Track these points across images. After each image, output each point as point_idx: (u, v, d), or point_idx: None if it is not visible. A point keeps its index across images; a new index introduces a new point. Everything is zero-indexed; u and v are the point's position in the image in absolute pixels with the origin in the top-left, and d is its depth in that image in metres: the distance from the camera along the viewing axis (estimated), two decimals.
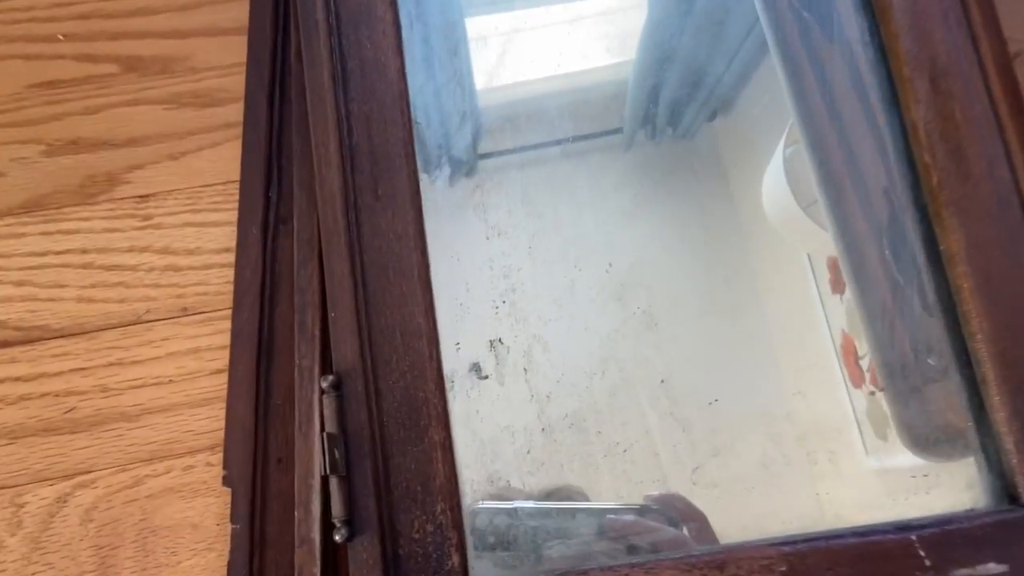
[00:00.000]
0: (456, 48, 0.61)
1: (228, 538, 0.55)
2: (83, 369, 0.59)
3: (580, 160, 0.58)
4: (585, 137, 0.60)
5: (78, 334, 0.60)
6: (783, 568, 0.46)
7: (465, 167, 0.59)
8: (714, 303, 0.55)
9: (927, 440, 0.54)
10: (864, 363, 0.56)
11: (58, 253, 0.62)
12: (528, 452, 0.50)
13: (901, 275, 0.58)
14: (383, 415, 0.48)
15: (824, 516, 0.52)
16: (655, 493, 0.50)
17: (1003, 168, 0.52)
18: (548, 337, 0.52)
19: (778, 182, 0.62)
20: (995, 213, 0.51)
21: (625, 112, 0.63)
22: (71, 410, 0.58)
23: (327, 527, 0.49)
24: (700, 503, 0.48)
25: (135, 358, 0.60)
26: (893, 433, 0.52)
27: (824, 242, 0.56)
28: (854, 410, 0.55)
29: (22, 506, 0.57)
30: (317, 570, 0.49)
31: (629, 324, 0.52)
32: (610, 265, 0.52)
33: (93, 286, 0.61)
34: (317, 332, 0.52)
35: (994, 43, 0.53)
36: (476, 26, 0.62)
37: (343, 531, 0.45)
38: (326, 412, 0.47)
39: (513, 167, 0.56)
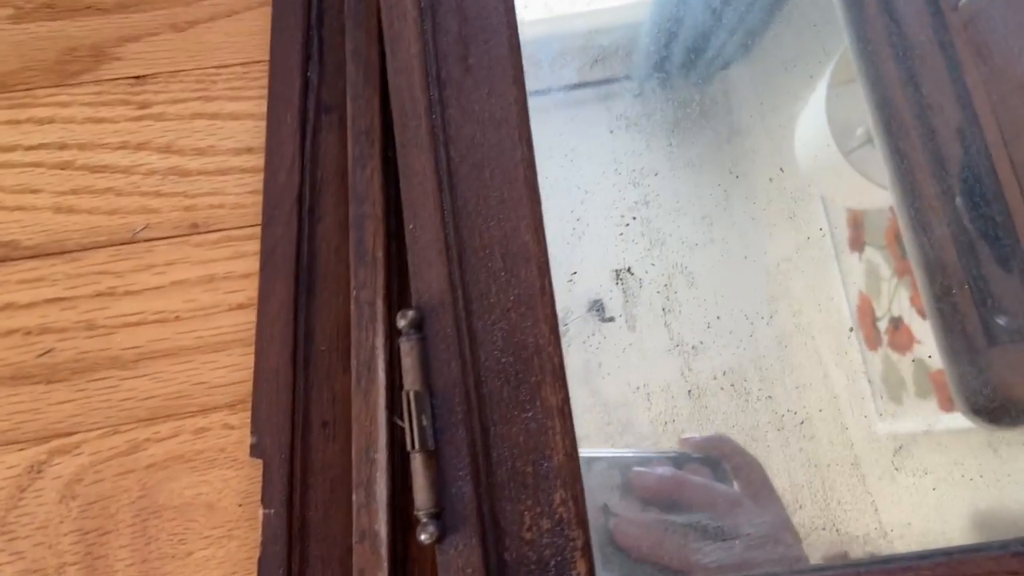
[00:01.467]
0: None
1: (251, 522, 0.42)
2: (63, 300, 0.45)
3: None
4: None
5: (56, 254, 0.46)
6: None
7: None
8: (725, 256, 0.42)
9: (988, 406, 0.43)
10: (882, 325, 0.49)
11: (29, 148, 0.47)
12: (670, 422, 0.37)
13: (973, 225, 0.46)
14: (480, 368, 0.34)
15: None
16: (695, 436, 0.38)
17: None
18: (694, 267, 0.38)
19: (817, 127, 0.51)
20: None
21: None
22: (47, 352, 0.45)
23: (397, 518, 0.36)
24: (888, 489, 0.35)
25: (130, 287, 0.46)
26: (909, 398, 0.42)
27: (866, 192, 0.45)
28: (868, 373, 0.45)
29: None
30: (384, 575, 0.36)
31: (807, 252, 0.38)
32: (781, 171, 0.39)
33: (75, 192, 0.47)
34: (380, 254, 0.39)
35: None
36: None
37: (431, 528, 0.32)
38: (405, 362, 0.33)
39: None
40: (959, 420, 0.44)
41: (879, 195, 0.49)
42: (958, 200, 0.48)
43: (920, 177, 0.47)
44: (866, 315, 0.50)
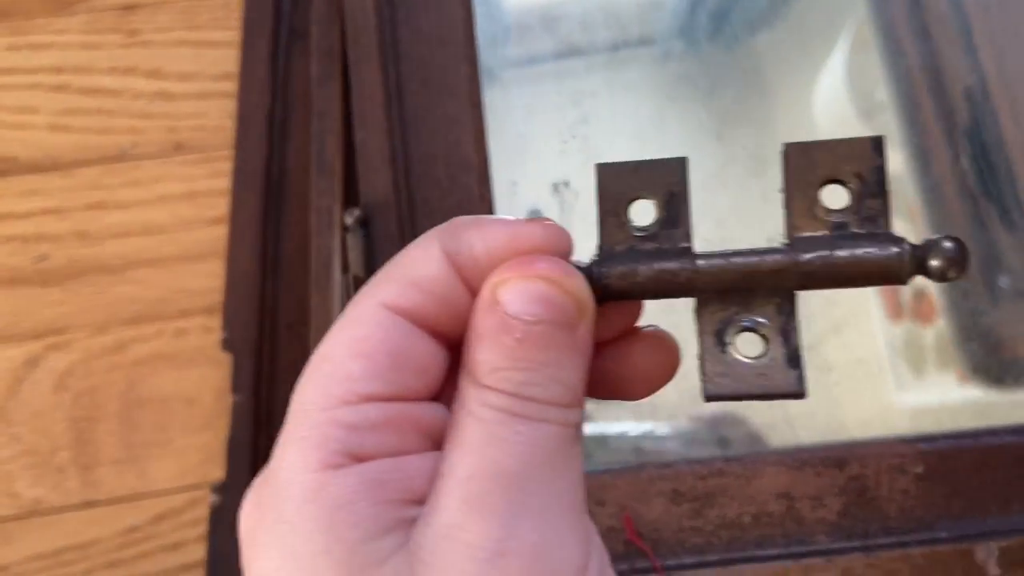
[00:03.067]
0: None
1: (225, 416, 0.46)
2: (57, 211, 0.49)
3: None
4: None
5: (51, 169, 0.50)
6: (919, 469, 0.37)
7: None
8: (752, 225, 0.45)
9: (990, 368, 0.45)
10: (905, 295, 0.50)
11: (27, 71, 0.51)
12: None
13: (978, 185, 0.48)
14: None
15: None
16: None
17: None
18: None
19: (835, 87, 0.53)
20: None
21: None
22: (43, 259, 0.49)
23: None
24: (818, 395, 0.39)
25: (119, 201, 0.50)
26: (930, 369, 0.44)
27: None
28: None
29: None
30: None
31: (731, 168, 0.41)
32: (708, 96, 0.41)
33: (69, 112, 0.51)
34: (338, 166, 0.42)
35: None
36: None
37: None
38: (351, 254, 0.37)
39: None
40: (978, 393, 0.45)
41: (893, 159, 0.50)
42: (963, 160, 0.50)
43: (930, 140, 0.49)
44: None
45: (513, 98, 0.44)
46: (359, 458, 0.18)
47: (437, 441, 0.19)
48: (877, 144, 0.20)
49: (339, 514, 0.17)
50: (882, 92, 0.50)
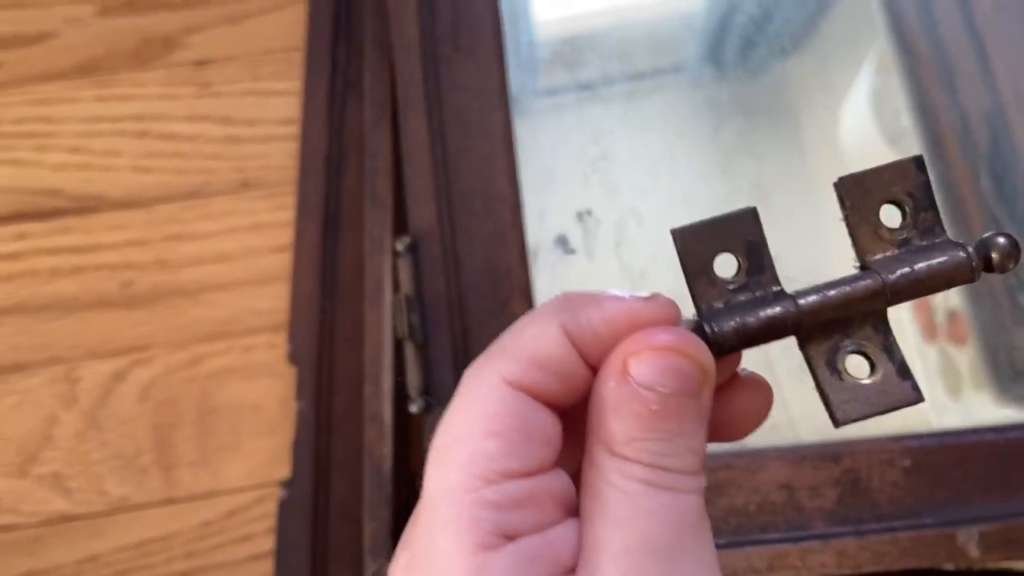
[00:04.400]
0: None
1: (292, 422, 0.52)
2: (140, 242, 0.56)
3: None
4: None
5: (135, 206, 0.57)
6: (907, 463, 0.42)
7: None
8: (778, 244, 0.49)
9: (1017, 387, 0.49)
10: (939, 316, 0.52)
11: (113, 120, 0.58)
12: None
13: (998, 206, 0.52)
14: (462, 283, 0.43)
15: None
16: None
17: None
18: (643, 209, 0.47)
19: (861, 114, 0.57)
20: None
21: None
22: (128, 284, 0.55)
23: (398, 405, 0.45)
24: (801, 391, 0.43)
25: (194, 232, 0.56)
26: (967, 391, 0.47)
27: None
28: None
29: (77, 381, 0.54)
30: (387, 448, 0.45)
31: (736, 197, 0.47)
32: (716, 131, 0.47)
33: (149, 156, 0.57)
34: (389, 199, 0.48)
35: None
36: None
37: (419, 402, 0.41)
38: (401, 275, 0.42)
39: (611, 23, 0.51)
40: (1012, 414, 0.47)
41: None
42: (984, 183, 0.54)
43: (952, 163, 0.53)
44: (923, 305, 0.53)
45: (540, 132, 0.49)
46: (510, 536, 0.18)
47: (570, 508, 0.19)
48: (919, 163, 0.21)
49: None
50: (906, 118, 0.54)
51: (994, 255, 0.21)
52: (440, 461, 0.19)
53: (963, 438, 0.42)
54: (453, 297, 0.43)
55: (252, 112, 0.58)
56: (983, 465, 0.41)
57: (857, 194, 0.22)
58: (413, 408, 0.41)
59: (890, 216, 0.22)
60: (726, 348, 0.21)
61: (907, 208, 0.22)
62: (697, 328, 0.20)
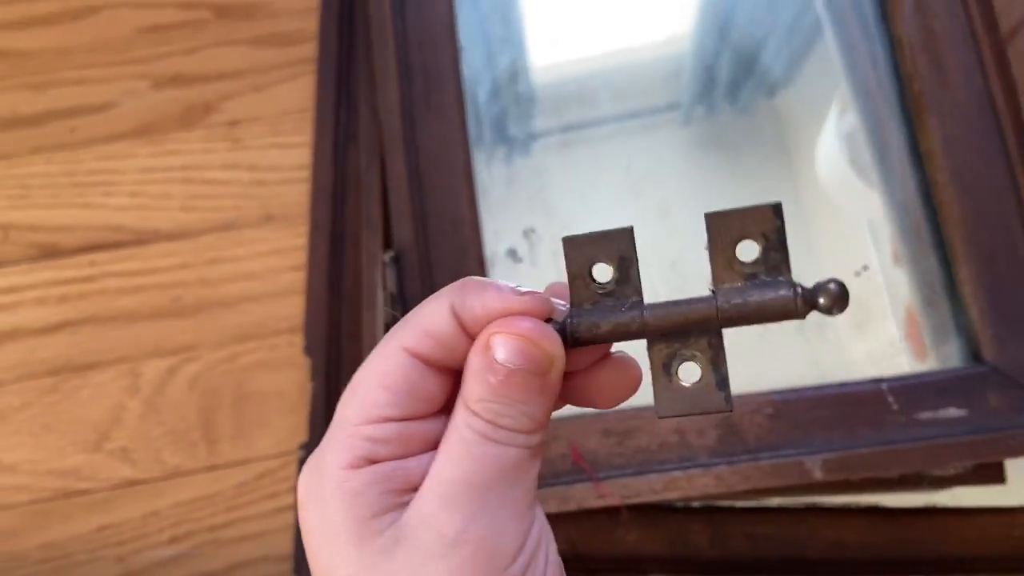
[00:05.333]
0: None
1: (307, 400, 0.65)
2: (186, 265, 0.71)
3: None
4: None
5: (182, 237, 0.71)
6: (770, 411, 0.55)
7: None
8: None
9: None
10: (927, 337, 0.61)
11: (163, 170, 0.73)
12: None
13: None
14: (434, 285, 0.57)
15: None
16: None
17: (978, 77, 0.59)
18: (575, 227, 0.61)
19: (832, 143, 0.68)
20: (969, 115, 0.58)
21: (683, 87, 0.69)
22: (178, 299, 0.70)
23: None
24: None
25: (229, 257, 0.71)
26: None
27: (875, 204, 0.62)
28: None
29: (139, 375, 0.68)
30: None
31: (644, 216, 0.61)
32: (628, 167, 0.61)
33: (193, 197, 0.72)
34: (380, 224, 0.62)
35: None
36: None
37: None
38: (388, 280, 0.57)
39: (554, 93, 0.65)
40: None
41: (878, 208, 0.60)
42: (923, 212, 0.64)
43: (907, 197, 0.60)
44: (913, 326, 0.60)
45: (495, 169, 0.64)
46: (374, 461, 0.24)
47: (437, 445, 0.25)
48: (777, 210, 0.24)
49: (355, 499, 0.23)
50: (867, 152, 0.63)
51: (822, 299, 0.23)
52: (346, 399, 0.25)
53: (812, 392, 0.55)
54: (426, 295, 0.57)
55: (273, 160, 0.73)
56: (827, 411, 0.54)
57: (720, 229, 0.24)
58: None
59: (747, 251, 0.24)
60: (580, 342, 0.25)
61: (760, 246, 0.24)
62: (560, 324, 0.25)
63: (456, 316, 0.24)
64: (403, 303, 0.56)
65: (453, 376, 0.25)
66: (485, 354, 0.24)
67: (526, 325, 0.24)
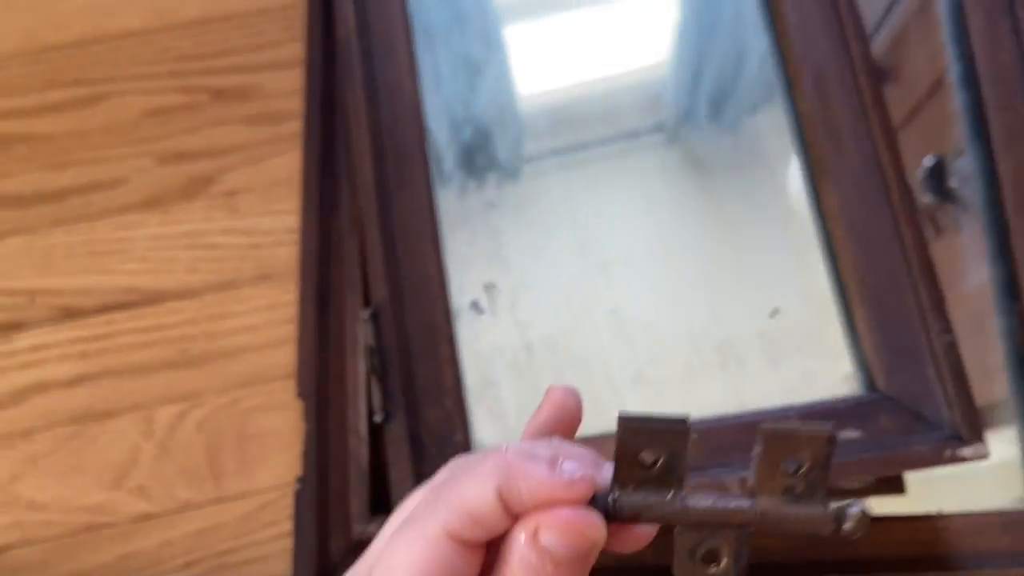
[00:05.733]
0: (489, 55, 0.80)
1: (300, 439, 0.75)
2: (192, 321, 0.80)
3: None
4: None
5: (188, 296, 0.81)
6: (696, 437, 0.64)
7: (511, 166, 0.77)
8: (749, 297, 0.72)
9: None
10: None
11: (170, 237, 0.83)
12: (513, 361, 0.68)
13: None
14: (407, 336, 0.67)
15: None
16: None
17: (872, 142, 0.69)
18: (529, 282, 0.71)
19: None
20: (862, 178, 0.68)
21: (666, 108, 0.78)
22: (185, 351, 0.79)
23: (370, 421, 0.68)
24: (635, 395, 0.66)
25: (230, 313, 0.80)
26: None
27: None
28: None
29: (153, 420, 0.77)
30: (364, 451, 0.68)
31: (589, 271, 0.70)
32: (573, 229, 0.71)
33: (197, 261, 0.82)
34: (360, 286, 0.72)
35: (861, 47, 0.70)
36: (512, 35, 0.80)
37: (380, 416, 0.64)
38: (365, 335, 0.66)
39: (523, 148, 0.75)
40: None
41: None
42: None
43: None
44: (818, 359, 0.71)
45: (459, 233, 0.73)
46: None
47: None
48: (831, 439, 0.25)
49: None
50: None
51: (847, 525, 0.25)
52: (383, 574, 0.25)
53: (732, 420, 0.64)
54: (401, 346, 0.67)
55: (267, 226, 0.83)
56: (744, 436, 0.64)
57: (773, 445, 0.26)
58: (377, 418, 0.64)
59: (792, 463, 0.26)
60: (619, 519, 0.26)
61: (805, 464, 0.25)
62: (602, 499, 0.26)
63: (502, 500, 0.25)
64: (381, 354, 0.66)
65: (486, 547, 0.26)
66: (533, 544, 0.25)
67: (573, 516, 0.25)
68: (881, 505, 0.69)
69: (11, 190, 0.84)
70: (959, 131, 0.79)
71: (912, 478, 0.68)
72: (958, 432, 0.61)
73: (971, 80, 0.79)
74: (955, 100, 0.80)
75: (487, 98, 0.77)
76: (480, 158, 0.73)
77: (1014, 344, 0.75)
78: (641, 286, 0.70)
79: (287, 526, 0.74)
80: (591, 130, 0.76)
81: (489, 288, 0.70)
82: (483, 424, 0.67)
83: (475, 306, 0.70)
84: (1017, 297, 0.75)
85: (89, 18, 0.88)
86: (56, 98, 0.87)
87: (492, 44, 0.80)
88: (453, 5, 0.79)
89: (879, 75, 0.70)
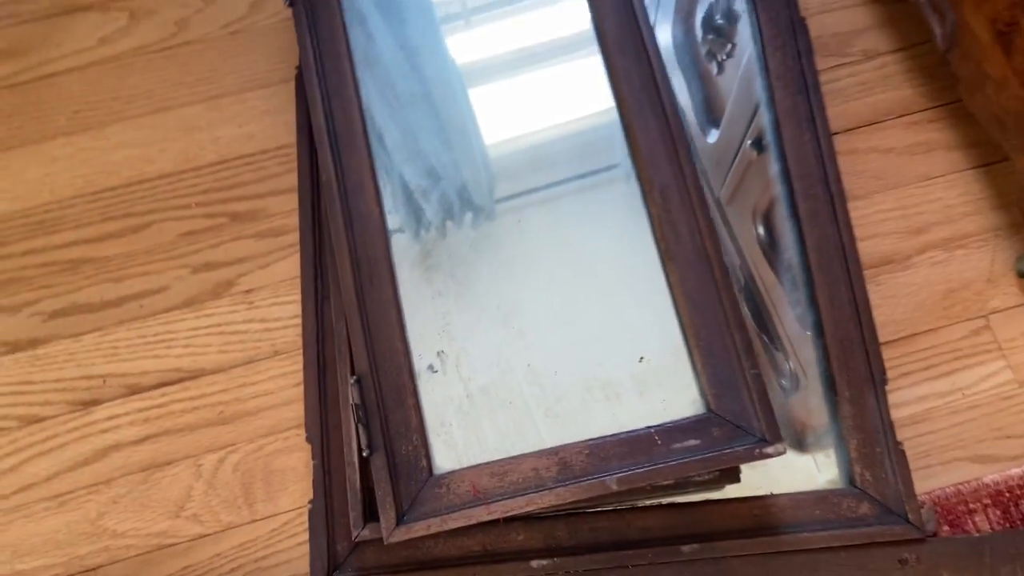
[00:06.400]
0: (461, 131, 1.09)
1: (311, 473, 1.02)
2: (225, 390, 1.08)
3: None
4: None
5: (220, 371, 1.09)
6: (587, 451, 0.92)
7: (483, 214, 1.06)
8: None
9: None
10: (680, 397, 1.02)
11: (205, 328, 1.11)
12: (460, 406, 0.96)
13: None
14: (382, 394, 0.95)
15: None
16: None
17: (700, 236, 0.97)
18: (469, 348, 0.99)
19: None
20: (694, 261, 0.97)
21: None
22: (221, 413, 1.07)
23: (360, 456, 0.96)
24: (546, 426, 0.94)
25: (252, 382, 1.08)
26: None
27: None
28: None
29: (200, 465, 1.05)
30: (357, 478, 0.96)
31: (510, 337, 0.98)
32: (498, 307, 0.99)
33: (225, 344, 1.10)
34: (347, 358, 1.00)
35: (690, 167, 0.99)
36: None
37: (367, 452, 0.92)
38: (352, 395, 0.94)
39: (459, 251, 1.03)
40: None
41: None
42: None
43: None
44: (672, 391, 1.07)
45: (418, 314, 1.01)
46: None
47: None
48: None
49: None
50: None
51: None
52: None
53: (612, 437, 0.92)
54: (379, 401, 0.94)
55: (277, 315, 1.11)
56: (621, 448, 0.91)
57: None
58: (364, 453, 0.92)
59: None
60: None
61: None
62: None
63: None
64: (364, 408, 0.93)
65: None
66: None
67: None
68: (729, 491, 0.97)
69: (83, 300, 1.12)
70: (780, 210, 1.08)
71: (759, 470, 0.96)
72: (764, 437, 0.89)
73: (786, 174, 1.09)
74: (775, 189, 1.09)
75: (438, 209, 1.06)
76: (434, 256, 1.01)
77: (824, 367, 1.03)
78: (547, 345, 0.98)
79: (304, 536, 1.02)
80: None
81: (441, 354, 0.98)
82: (441, 454, 0.94)
83: (431, 368, 0.98)
84: (822, 334, 1.03)
85: (133, 165, 1.17)
86: (112, 228, 1.15)
87: (433, 175, 1.09)
88: (410, 143, 1.08)
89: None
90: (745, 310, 1.05)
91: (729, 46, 1.20)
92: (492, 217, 1.03)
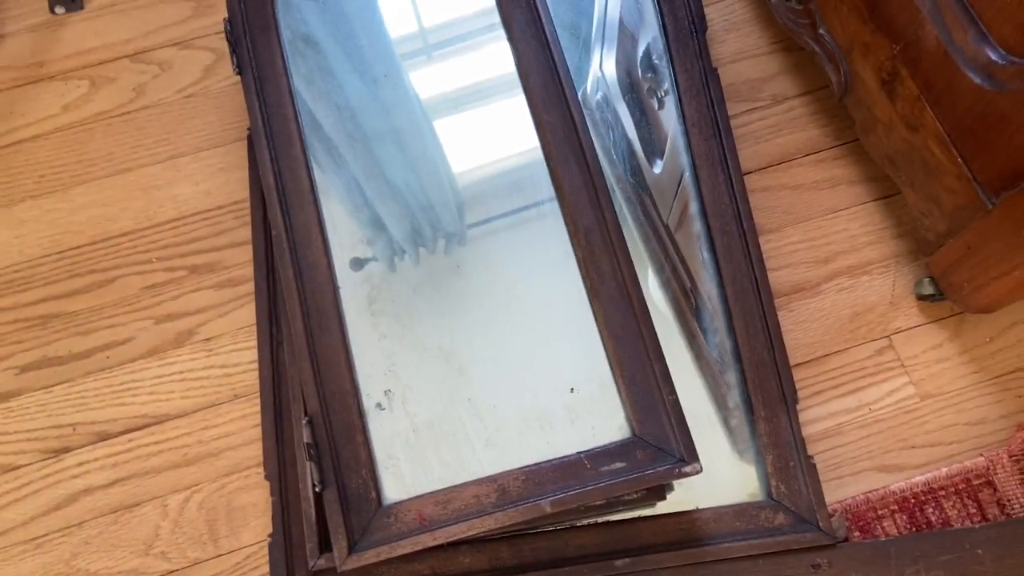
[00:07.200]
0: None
1: (271, 508, 1.09)
2: (188, 433, 1.15)
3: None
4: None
5: (183, 415, 1.16)
6: (523, 477, 1.00)
7: (455, 239, 1.14)
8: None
9: None
10: (608, 425, 1.11)
11: (168, 375, 1.18)
12: (406, 440, 1.04)
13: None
14: (333, 432, 1.03)
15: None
16: None
17: (621, 275, 1.06)
18: (413, 385, 1.07)
19: None
20: (616, 298, 1.05)
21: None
22: (185, 455, 1.14)
23: (315, 491, 1.03)
24: (486, 455, 1.02)
25: (213, 424, 1.15)
26: None
27: None
28: None
29: (167, 505, 1.12)
30: (312, 510, 1.03)
31: (451, 375, 1.07)
32: (439, 347, 1.07)
33: (188, 390, 1.17)
34: (300, 399, 1.08)
35: (610, 212, 1.08)
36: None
37: (319, 487, 0.99)
38: (305, 434, 1.02)
39: (403, 295, 1.12)
40: None
41: None
42: None
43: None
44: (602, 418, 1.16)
45: (367, 356, 1.09)
46: None
47: None
48: None
49: None
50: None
51: None
52: None
53: (546, 464, 1.00)
54: (329, 439, 1.02)
55: (236, 360, 1.18)
56: (554, 473, 1.00)
57: None
58: (317, 488, 0.99)
59: None
60: None
61: None
62: None
63: None
64: (316, 446, 1.01)
65: None
66: None
67: None
68: (660, 507, 1.06)
69: (53, 353, 1.19)
70: (699, 253, 1.17)
71: (695, 486, 1.05)
72: (683, 457, 0.98)
73: (704, 213, 1.18)
74: (695, 226, 1.18)
75: (384, 253, 1.14)
76: (379, 301, 1.10)
77: (742, 388, 1.12)
78: (486, 380, 1.07)
79: (266, 568, 1.09)
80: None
81: (388, 393, 1.06)
82: (389, 486, 1.02)
83: (379, 406, 1.06)
84: (739, 359, 1.13)
85: (97, 224, 1.24)
86: (78, 284, 1.22)
87: (380, 228, 1.17)
88: (355, 196, 1.16)
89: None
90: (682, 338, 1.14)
91: (666, 84, 1.29)
92: (434, 254, 1.11)
